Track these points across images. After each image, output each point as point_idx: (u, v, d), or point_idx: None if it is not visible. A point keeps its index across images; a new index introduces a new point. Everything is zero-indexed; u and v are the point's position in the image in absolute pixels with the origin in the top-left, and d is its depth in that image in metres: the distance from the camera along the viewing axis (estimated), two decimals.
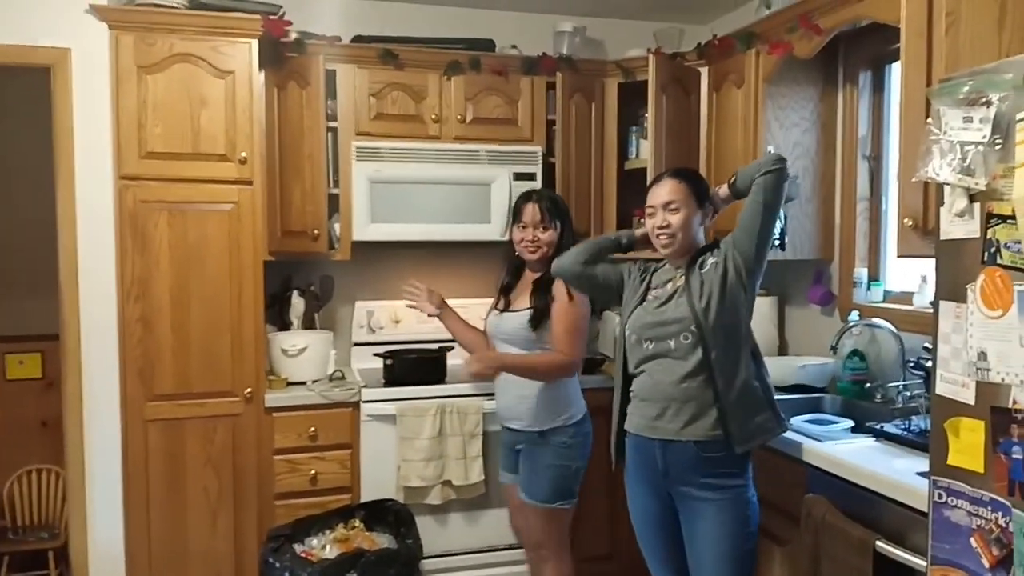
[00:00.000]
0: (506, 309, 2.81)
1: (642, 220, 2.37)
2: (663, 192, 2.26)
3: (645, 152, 3.42)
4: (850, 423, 2.48)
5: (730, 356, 2.17)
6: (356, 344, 3.59)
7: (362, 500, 3.09)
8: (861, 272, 3.03)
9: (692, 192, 2.26)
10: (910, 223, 2.06)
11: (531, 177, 3.46)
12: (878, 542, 1.91)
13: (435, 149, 3.37)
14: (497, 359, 2.73)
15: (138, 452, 2.94)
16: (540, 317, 2.69)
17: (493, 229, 3.38)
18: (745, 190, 2.24)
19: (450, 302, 3.10)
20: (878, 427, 2.38)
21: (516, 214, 2.80)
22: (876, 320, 2.77)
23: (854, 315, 2.89)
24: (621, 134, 3.62)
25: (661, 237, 2.26)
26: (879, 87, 3.03)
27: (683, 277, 2.24)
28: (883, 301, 2.97)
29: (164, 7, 2.89)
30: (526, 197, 2.81)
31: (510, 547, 3.19)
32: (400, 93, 3.38)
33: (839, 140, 3.13)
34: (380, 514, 3.02)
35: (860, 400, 2.79)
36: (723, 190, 2.35)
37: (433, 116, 3.41)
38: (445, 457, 3.06)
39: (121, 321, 2.91)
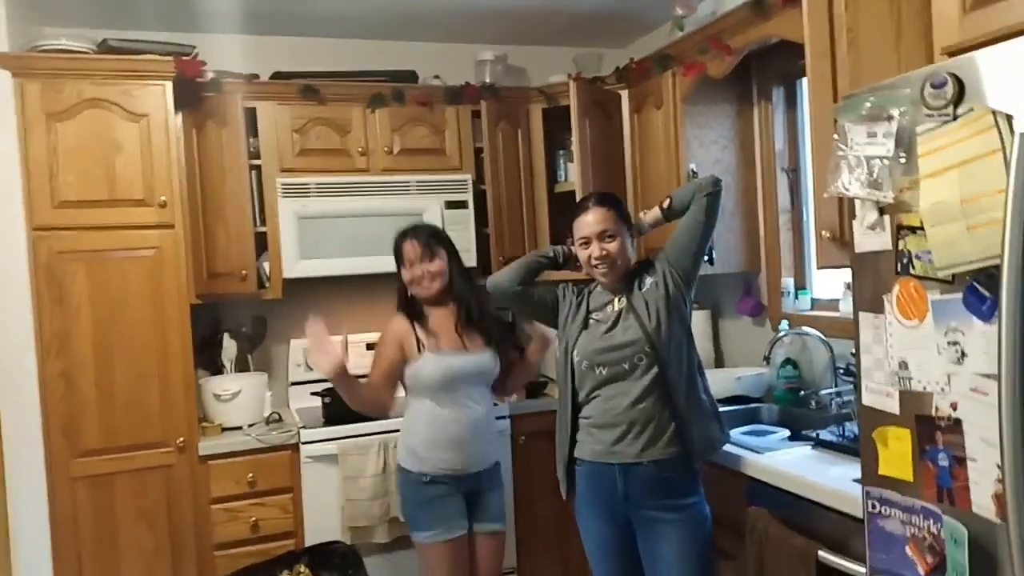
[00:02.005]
0: (467, 348, 2.62)
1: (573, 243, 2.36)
2: (595, 222, 2.24)
3: (573, 175, 3.44)
4: (787, 432, 2.53)
5: (682, 371, 2.19)
6: (293, 383, 3.51)
7: (307, 544, 3.00)
8: (788, 282, 3.10)
9: (620, 217, 2.27)
10: (828, 235, 2.12)
11: (463, 205, 3.47)
12: (820, 551, 1.94)
13: (363, 182, 3.34)
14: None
15: (66, 511, 2.81)
16: (504, 351, 2.68)
17: None
18: (681, 211, 2.27)
19: None
20: (814, 435, 2.43)
21: (397, 256, 2.64)
22: (805, 328, 2.84)
23: (784, 324, 2.96)
24: (549, 158, 3.65)
25: (600, 266, 2.25)
26: (792, 102, 3.13)
27: (623, 299, 2.25)
28: (811, 309, 3.04)
29: (70, 53, 2.81)
30: (402, 236, 2.64)
31: None
32: (324, 128, 3.35)
33: (758, 155, 3.21)
34: (326, 557, 2.94)
35: (796, 408, 2.84)
36: (652, 213, 2.36)
37: (359, 149, 3.38)
38: (390, 494, 2.99)
39: (42, 377, 2.79)
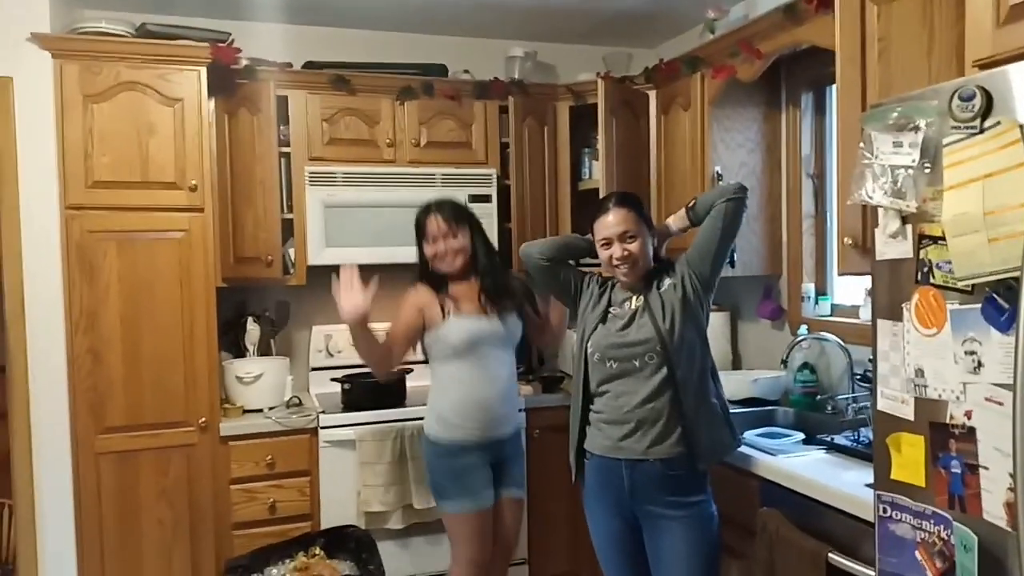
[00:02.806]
0: (489, 314, 2.66)
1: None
2: (616, 223, 2.26)
3: (597, 173, 3.47)
4: (801, 436, 2.54)
5: (694, 374, 2.21)
6: (314, 369, 3.57)
7: (322, 527, 3.06)
8: (808, 287, 3.11)
9: (640, 217, 2.29)
10: (850, 242, 2.13)
11: (487, 199, 3.50)
12: (830, 554, 1.96)
13: (390, 173, 3.38)
14: None
15: (90, 486, 2.88)
16: (522, 315, 2.74)
17: None
18: (704, 215, 2.28)
19: None
20: (829, 439, 2.44)
21: (419, 231, 2.69)
22: (824, 334, 2.85)
23: (803, 329, 2.97)
24: (574, 156, 3.67)
25: (621, 267, 2.27)
26: (820, 108, 3.13)
27: (641, 298, 2.27)
28: (831, 315, 3.05)
29: (109, 36, 2.87)
30: (425, 211, 2.68)
31: None
32: (353, 118, 3.39)
33: (784, 159, 3.21)
34: (341, 541, 3.00)
35: (811, 412, 2.86)
36: (679, 216, 2.38)
37: (387, 140, 3.42)
38: (406, 481, 3.05)
39: (70, 353, 2.85)
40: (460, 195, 3.40)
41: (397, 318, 2.67)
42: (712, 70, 3.07)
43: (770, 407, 2.98)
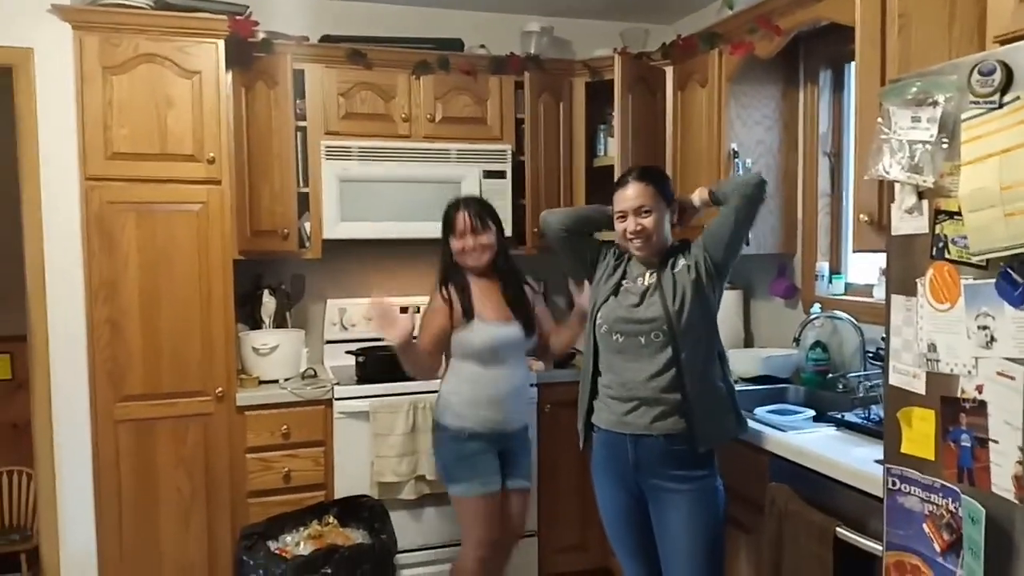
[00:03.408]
0: (510, 319, 2.74)
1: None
2: (633, 196, 2.27)
3: (613, 149, 3.46)
4: (812, 413, 2.55)
5: (699, 357, 2.21)
6: (328, 342, 3.60)
7: (336, 497, 3.11)
8: (823, 265, 3.10)
9: (659, 193, 2.29)
10: (866, 218, 2.13)
11: (501, 175, 3.50)
12: (838, 528, 1.98)
13: (405, 148, 3.39)
14: None
15: (109, 453, 2.93)
16: (532, 326, 2.79)
17: None
18: (724, 199, 2.28)
19: (422, 300, 3.10)
20: (839, 416, 2.45)
21: (448, 225, 2.74)
22: (837, 312, 2.85)
23: (816, 307, 2.96)
24: (589, 132, 3.67)
25: (635, 241, 2.27)
26: (839, 85, 3.11)
27: (654, 276, 2.28)
28: (844, 293, 3.05)
29: (129, 7, 2.88)
30: (454, 206, 2.75)
31: None
32: (369, 92, 3.39)
33: (800, 137, 3.19)
34: (354, 510, 3.05)
35: (822, 390, 2.86)
36: (702, 195, 2.36)
37: (402, 115, 3.43)
38: (418, 452, 3.09)
39: (89, 323, 2.89)
40: (474, 171, 3.44)
41: (428, 322, 2.73)
42: (730, 46, 3.05)
43: (781, 385, 2.99)
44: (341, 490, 3.12)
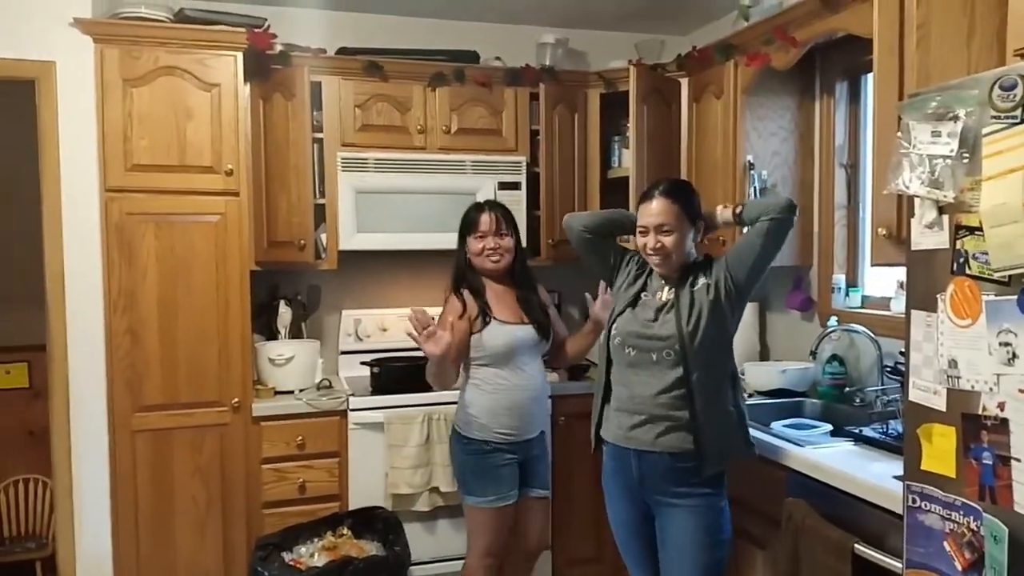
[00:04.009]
0: (525, 321, 2.76)
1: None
2: (656, 212, 2.23)
3: (627, 161, 3.46)
4: (829, 427, 2.53)
5: (711, 378, 2.19)
6: (343, 352, 3.61)
7: (350, 508, 3.11)
8: (839, 278, 3.08)
9: (684, 212, 2.24)
10: (884, 232, 2.12)
11: (516, 187, 3.51)
12: (856, 544, 1.96)
13: (420, 159, 3.41)
14: None
15: (126, 462, 2.95)
16: (548, 330, 2.80)
17: None
18: (751, 222, 2.25)
19: (436, 310, 3.09)
20: (857, 431, 2.43)
21: (471, 225, 2.75)
22: (854, 325, 2.83)
23: (833, 320, 2.94)
24: (603, 143, 3.67)
25: (654, 257, 2.26)
26: (855, 97, 3.10)
27: (672, 291, 2.26)
28: (861, 306, 3.03)
29: (149, 21, 2.91)
30: (479, 208, 2.78)
31: None
32: (385, 104, 3.41)
33: (816, 149, 3.19)
34: (368, 522, 3.05)
35: (839, 404, 2.84)
36: (727, 214, 2.33)
37: (418, 127, 3.44)
38: (432, 464, 3.09)
39: (108, 332, 2.92)
40: (489, 182, 3.45)
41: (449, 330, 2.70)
42: (746, 58, 3.05)
43: (798, 398, 2.97)
44: (355, 501, 3.12)
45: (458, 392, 2.81)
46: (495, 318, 2.70)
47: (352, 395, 3.18)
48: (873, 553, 1.91)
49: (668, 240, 2.23)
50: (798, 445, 2.36)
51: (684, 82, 3.47)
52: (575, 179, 3.65)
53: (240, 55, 2.99)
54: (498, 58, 3.65)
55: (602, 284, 2.67)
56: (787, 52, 2.86)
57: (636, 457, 2.23)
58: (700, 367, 2.17)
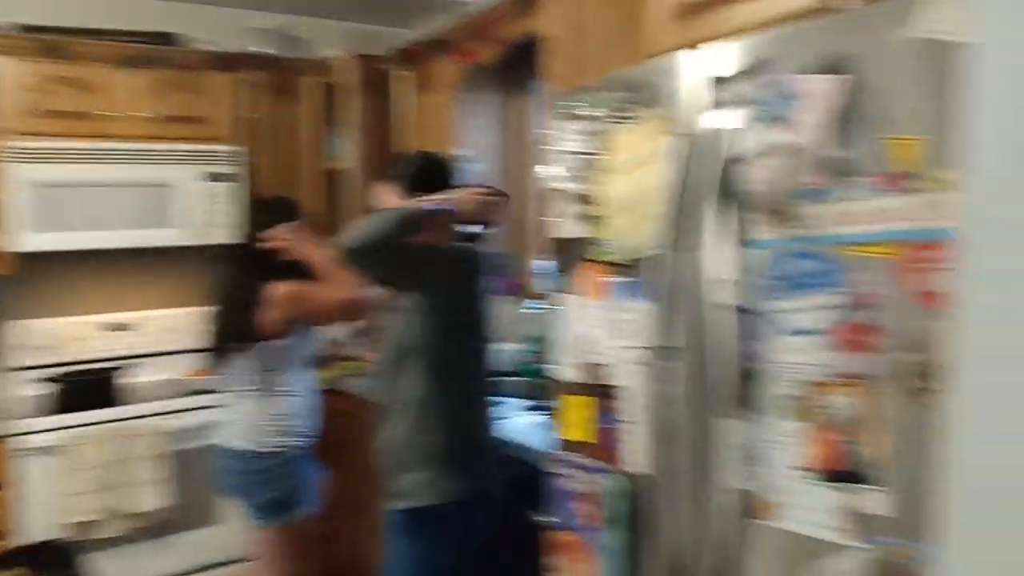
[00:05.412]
0: None
1: None
2: None
3: (347, 152, 3.37)
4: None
5: None
6: (12, 369, 3.17)
7: (24, 543, 2.73)
8: (538, 263, 3.15)
9: None
10: (546, 223, 2.19)
11: (228, 178, 3.27)
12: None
13: (112, 149, 3.07)
14: None
15: None
16: None
17: (180, 234, 3.17)
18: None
19: (149, 314, 2.79)
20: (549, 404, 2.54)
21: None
22: (546, 304, 2.92)
23: (531, 302, 3.02)
24: (321, 134, 3.54)
25: None
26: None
27: None
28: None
29: None
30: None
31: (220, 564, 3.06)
32: (70, 89, 3.04)
33: (521, 143, 3.27)
34: (48, 556, 2.70)
35: (539, 379, 2.93)
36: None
37: (109, 114, 3.11)
38: (120, 486, 2.80)
39: None
40: (196, 173, 3.20)
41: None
42: (458, 54, 3.07)
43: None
44: (32, 535, 2.74)
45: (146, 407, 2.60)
46: None
47: (21, 417, 2.80)
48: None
49: None
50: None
51: (402, 75, 3.43)
52: (293, 169, 3.48)
53: None
54: (205, 41, 3.39)
55: None
56: (493, 50, 2.91)
57: None
58: None
